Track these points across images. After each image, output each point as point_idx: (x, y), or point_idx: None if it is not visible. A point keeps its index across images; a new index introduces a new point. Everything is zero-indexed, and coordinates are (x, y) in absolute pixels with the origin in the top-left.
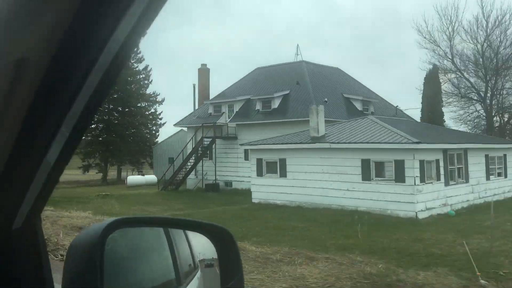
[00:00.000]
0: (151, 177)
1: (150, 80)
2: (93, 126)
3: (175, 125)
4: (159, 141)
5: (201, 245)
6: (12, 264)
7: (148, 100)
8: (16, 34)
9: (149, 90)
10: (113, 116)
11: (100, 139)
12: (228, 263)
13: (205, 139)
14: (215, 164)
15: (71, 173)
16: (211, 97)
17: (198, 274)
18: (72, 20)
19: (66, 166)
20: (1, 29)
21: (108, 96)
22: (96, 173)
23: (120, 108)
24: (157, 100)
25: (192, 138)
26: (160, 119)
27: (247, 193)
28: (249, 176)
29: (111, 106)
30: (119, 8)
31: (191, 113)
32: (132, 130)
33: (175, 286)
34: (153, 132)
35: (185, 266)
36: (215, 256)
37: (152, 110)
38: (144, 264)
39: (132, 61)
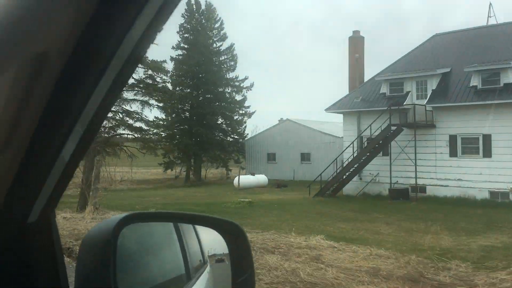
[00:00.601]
0: (262, 177)
1: (234, 61)
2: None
3: (326, 110)
4: (252, 134)
5: (211, 241)
6: (27, 256)
7: (234, 86)
8: (35, 29)
9: (234, 74)
10: (199, 103)
11: (179, 132)
12: (239, 259)
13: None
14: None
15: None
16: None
17: (208, 269)
18: (91, 15)
19: (80, 162)
20: (20, 24)
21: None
22: (171, 170)
23: (207, 95)
24: (243, 85)
25: (357, 127)
26: (248, 107)
27: (458, 202)
28: (458, 179)
29: (197, 92)
30: (136, 4)
31: (349, 95)
32: (220, 121)
33: (185, 281)
34: (241, 122)
35: (195, 261)
36: (225, 251)
37: (239, 97)
38: (155, 259)
39: (213, 39)
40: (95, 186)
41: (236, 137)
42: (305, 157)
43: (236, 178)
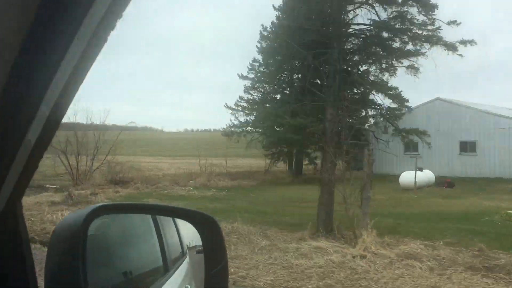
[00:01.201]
0: (430, 174)
1: None
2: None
3: None
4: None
5: (192, 233)
6: None
7: None
8: None
9: None
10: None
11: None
12: (213, 250)
13: None
14: None
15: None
16: None
17: (187, 260)
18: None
19: (46, 148)
20: None
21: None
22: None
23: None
24: None
25: None
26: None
27: None
28: None
29: None
30: None
31: None
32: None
33: (162, 272)
34: None
35: (173, 253)
36: None
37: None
38: (132, 250)
39: None
40: (367, 194)
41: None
42: (467, 147)
43: (404, 175)
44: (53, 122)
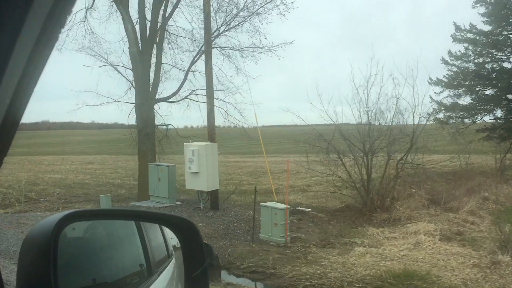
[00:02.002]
0: None
1: None
2: None
3: None
4: None
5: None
6: None
7: None
8: None
9: None
10: None
11: None
12: (192, 254)
13: None
14: None
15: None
16: None
17: (173, 262)
18: None
19: (6, 154)
20: None
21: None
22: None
23: None
24: None
25: None
26: None
27: None
28: None
29: None
30: None
31: None
32: None
33: (146, 276)
34: None
35: (157, 256)
36: None
37: None
38: (117, 253)
39: None
40: None
41: None
42: None
43: None
44: (11, 122)
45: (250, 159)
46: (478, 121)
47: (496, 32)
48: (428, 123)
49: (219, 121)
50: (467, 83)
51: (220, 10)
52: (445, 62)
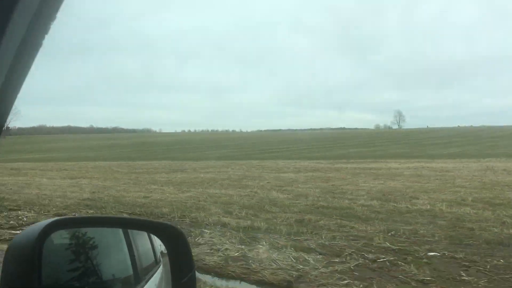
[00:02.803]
0: None
1: None
2: None
3: None
4: None
5: None
6: None
7: None
8: None
9: None
10: None
11: None
12: (179, 261)
13: None
14: None
15: None
16: None
17: (161, 268)
18: None
19: None
20: None
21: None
22: None
23: None
24: None
25: None
26: None
27: None
28: None
29: None
30: None
31: None
32: None
33: (133, 283)
34: None
35: (145, 262)
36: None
37: None
38: (103, 262)
39: None
40: None
41: None
42: None
43: None
44: None
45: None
46: None
47: None
48: None
49: None
50: None
51: None
52: None
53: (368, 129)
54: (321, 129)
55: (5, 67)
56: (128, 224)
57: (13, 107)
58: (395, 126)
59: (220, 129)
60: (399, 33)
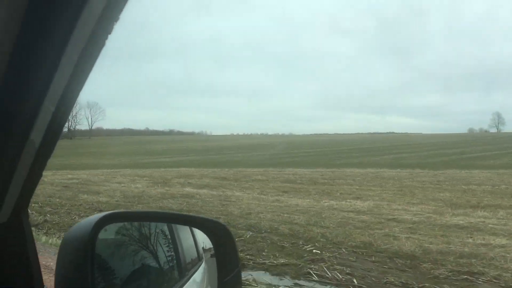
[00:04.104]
0: None
1: None
2: None
3: None
4: None
5: (206, 237)
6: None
7: None
8: None
9: None
10: None
11: None
12: (226, 258)
13: None
14: None
15: None
16: None
17: (203, 265)
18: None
19: (52, 151)
20: None
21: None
22: None
23: None
24: None
25: None
26: None
27: None
28: None
29: None
30: None
31: None
32: None
33: (177, 279)
34: None
35: (188, 258)
36: None
37: None
38: (148, 256)
39: None
40: None
41: None
42: None
43: None
44: (58, 122)
45: None
46: None
47: None
48: None
49: None
50: None
51: None
52: None
53: (419, 133)
54: (370, 133)
55: (69, 68)
56: (176, 220)
57: (100, 108)
58: (493, 130)
59: (259, 132)
60: (444, 34)
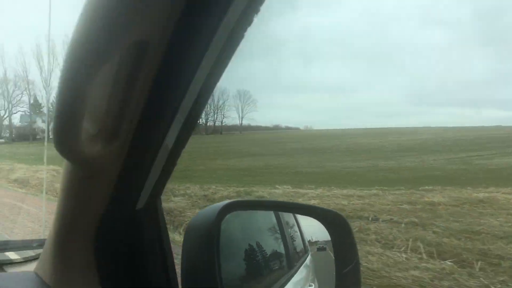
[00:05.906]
0: None
1: None
2: None
3: None
4: None
5: (312, 228)
6: (136, 239)
7: None
8: (134, 18)
9: None
10: None
11: None
12: (343, 249)
13: None
14: None
15: None
16: None
17: (309, 258)
18: (185, 2)
19: (183, 148)
20: (119, 13)
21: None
22: None
23: None
24: None
25: None
26: None
27: None
28: None
29: None
30: None
31: None
32: None
33: (287, 270)
34: None
35: (295, 250)
36: (327, 239)
37: None
38: (256, 247)
39: None
40: None
41: None
42: None
43: None
44: (188, 127)
45: None
46: None
47: None
48: None
49: None
50: None
51: None
52: None
53: None
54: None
55: (210, 63)
56: (293, 209)
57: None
58: None
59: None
60: None
